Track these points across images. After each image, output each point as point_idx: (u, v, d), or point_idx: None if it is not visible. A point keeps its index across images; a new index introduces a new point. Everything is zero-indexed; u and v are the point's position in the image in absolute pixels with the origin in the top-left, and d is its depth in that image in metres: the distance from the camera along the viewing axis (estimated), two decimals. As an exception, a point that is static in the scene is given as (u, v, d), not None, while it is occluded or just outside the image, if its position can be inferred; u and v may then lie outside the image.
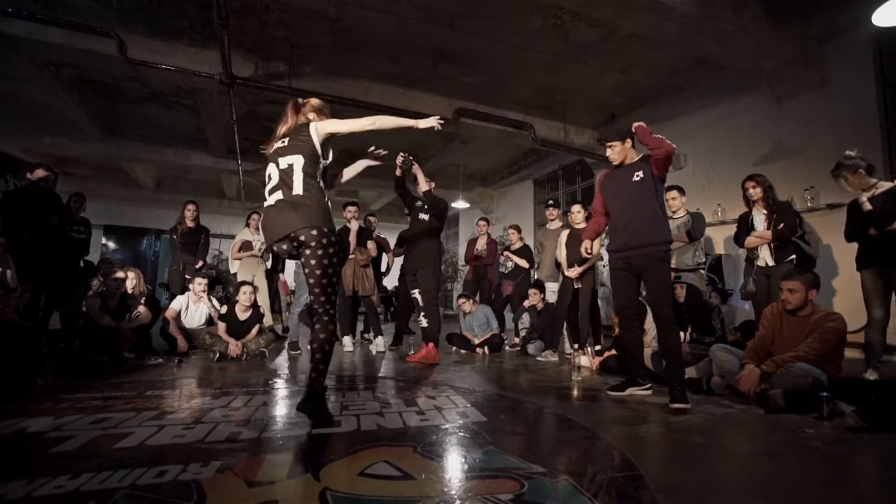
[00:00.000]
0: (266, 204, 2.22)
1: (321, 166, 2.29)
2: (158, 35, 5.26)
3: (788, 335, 2.76)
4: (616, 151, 2.90)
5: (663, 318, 2.68)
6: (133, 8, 4.89)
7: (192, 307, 4.68)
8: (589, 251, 3.07)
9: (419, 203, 4.36)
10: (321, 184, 2.26)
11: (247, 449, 1.74)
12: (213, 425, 2.03)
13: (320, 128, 2.28)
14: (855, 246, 3.46)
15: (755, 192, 3.76)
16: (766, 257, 3.71)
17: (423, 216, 4.32)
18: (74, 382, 2.96)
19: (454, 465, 1.62)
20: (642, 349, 3.01)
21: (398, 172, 4.17)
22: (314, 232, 2.08)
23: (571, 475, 1.52)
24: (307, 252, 2.09)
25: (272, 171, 2.22)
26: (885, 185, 3.27)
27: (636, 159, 2.88)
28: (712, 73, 6.03)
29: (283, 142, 2.26)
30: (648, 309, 3.20)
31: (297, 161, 2.19)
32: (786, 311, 2.79)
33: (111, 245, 13.21)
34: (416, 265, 4.30)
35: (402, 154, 3.83)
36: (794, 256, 3.65)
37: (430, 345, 4.10)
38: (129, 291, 4.35)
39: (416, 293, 4.27)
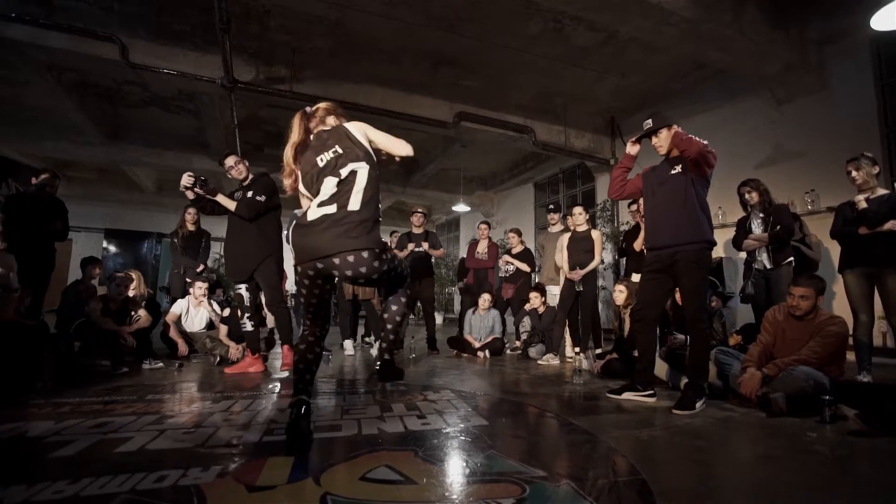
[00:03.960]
0: (309, 218, 1.89)
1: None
2: (160, 39, 5.29)
3: (791, 338, 2.75)
4: (663, 138, 2.78)
5: (696, 326, 2.63)
6: (135, 13, 4.91)
7: (193, 311, 4.68)
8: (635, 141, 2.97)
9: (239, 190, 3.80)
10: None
11: (247, 453, 1.74)
12: (214, 429, 2.02)
13: (362, 129, 2.03)
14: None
15: (751, 197, 3.78)
16: (764, 260, 3.72)
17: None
18: (74, 386, 2.96)
19: (455, 470, 1.62)
20: (654, 355, 2.97)
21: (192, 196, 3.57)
22: (365, 254, 1.84)
23: (573, 479, 1.51)
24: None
25: (326, 184, 1.90)
26: (881, 191, 3.33)
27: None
28: (712, 78, 6.05)
29: (329, 153, 1.95)
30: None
31: (362, 169, 1.91)
32: (791, 316, 2.78)
33: (112, 249, 13.22)
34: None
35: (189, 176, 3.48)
36: (791, 259, 3.67)
37: (285, 347, 3.69)
38: (130, 295, 4.35)
39: (242, 289, 3.68)
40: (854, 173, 3.39)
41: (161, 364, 3.94)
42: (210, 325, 4.66)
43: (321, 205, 1.90)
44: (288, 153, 2.07)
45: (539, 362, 4.47)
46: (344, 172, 1.91)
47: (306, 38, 5.43)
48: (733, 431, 2.25)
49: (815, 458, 1.84)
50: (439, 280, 10.93)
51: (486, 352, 4.83)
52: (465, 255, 6.39)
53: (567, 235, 4.66)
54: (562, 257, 4.64)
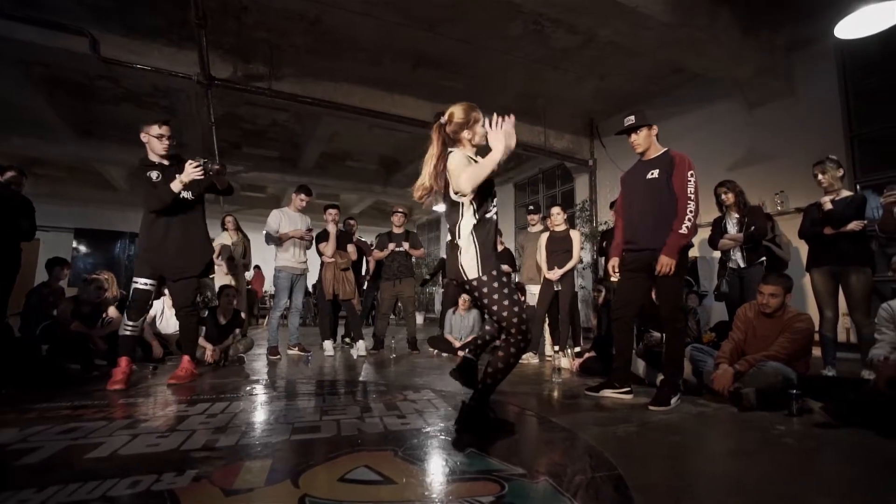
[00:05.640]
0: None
1: (482, 209, 2.04)
2: (134, 34, 5.16)
3: (761, 335, 2.84)
4: (642, 137, 2.79)
5: (672, 324, 2.69)
6: (108, 6, 4.78)
7: (168, 312, 4.57)
8: (615, 270, 2.96)
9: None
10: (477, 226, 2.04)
11: (224, 456, 1.71)
12: (190, 433, 1.98)
13: (453, 166, 2.02)
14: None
15: (727, 198, 3.89)
16: (738, 259, 3.83)
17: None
18: (42, 391, 2.87)
19: (435, 469, 1.62)
20: (632, 353, 3.02)
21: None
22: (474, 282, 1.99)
23: (551, 476, 1.53)
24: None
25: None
26: (846, 193, 3.49)
27: (659, 153, 2.80)
28: (688, 81, 6.19)
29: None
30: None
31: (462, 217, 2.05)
32: (761, 313, 2.87)
33: (82, 249, 12.82)
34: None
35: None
36: (764, 258, 3.78)
37: (185, 358, 3.38)
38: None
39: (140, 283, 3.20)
40: (820, 176, 3.51)
41: (134, 367, 3.84)
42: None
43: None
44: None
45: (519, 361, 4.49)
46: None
47: (285, 35, 5.36)
48: (707, 426, 2.31)
49: (784, 450, 1.90)
50: (418, 280, 10.92)
51: (467, 351, 4.83)
52: (445, 255, 6.40)
53: (546, 235, 4.71)
54: (541, 257, 4.69)
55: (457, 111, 2.12)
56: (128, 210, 12.40)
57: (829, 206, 3.41)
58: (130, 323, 3.15)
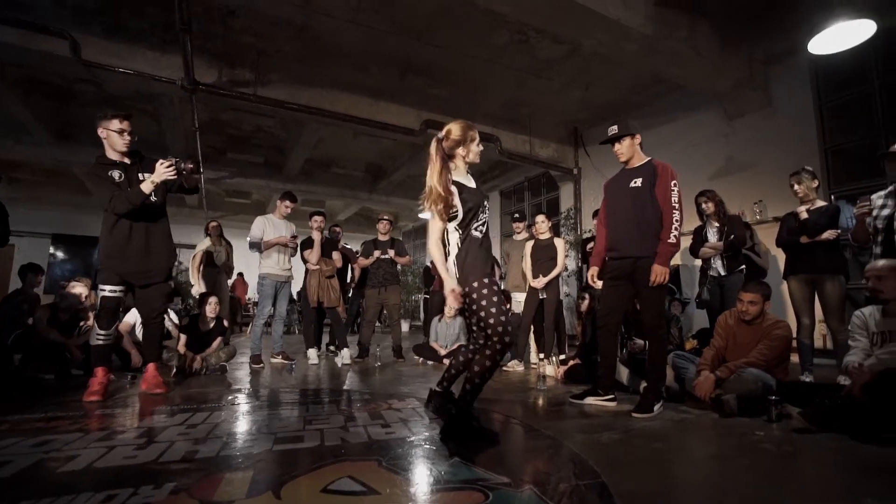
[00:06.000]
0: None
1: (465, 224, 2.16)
2: (116, 37, 5.09)
3: (741, 342, 2.89)
4: (626, 146, 2.82)
5: (654, 332, 2.72)
6: (90, 8, 4.72)
7: (148, 320, 4.47)
8: (595, 280, 3.02)
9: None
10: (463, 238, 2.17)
11: (204, 468, 1.67)
12: (169, 444, 1.94)
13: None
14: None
15: (707, 207, 3.97)
16: (718, 267, 3.90)
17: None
18: (14, 402, 2.78)
19: (419, 479, 1.61)
20: (616, 360, 3.05)
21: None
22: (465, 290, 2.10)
23: (536, 485, 1.53)
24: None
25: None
26: (820, 203, 3.59)
27: (642, 162, 2.83)
28: (670, 92, 6.33)
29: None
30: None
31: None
32: (741, 320, 2.92)
33: (60, 255, 12.51)
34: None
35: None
36: (744, 266, 3.86)
37: (152, 366, 3.24)
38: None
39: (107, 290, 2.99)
40: (796, 186, 3.61)
41: (112, 377, 3.75)
42: (167, 335, 4.47)
43: None
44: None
45: (504, 369, 4.51)
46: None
47: (272, 41, 5.34)
48: (689, 433, 2.33)
49: (763, 456, 1.93)
50: (404, 287, 10.89)
51: (452, 359, 4.83)
52: (431, 263, 6.40)
53: (531, 243, 4.74)
54: (526, 264, 4.71)
55: (454, 129, 2.19)
56: (107, 215, 12.15)
57: (804, 215, 3.51)
58: (102, 332, 3.00)
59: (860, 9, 3.47)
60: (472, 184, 2.22)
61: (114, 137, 2.92)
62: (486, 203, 2.22)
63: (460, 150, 2.20)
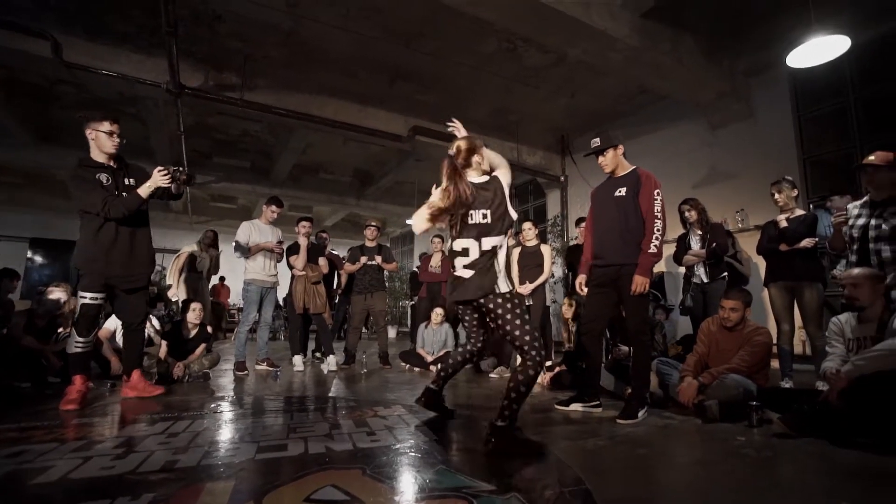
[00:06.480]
0: (456, 273, 2.24)
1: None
2: (100, 39, 5.03)
3: (724, 348, 2.94)
4: (609, 158, 2.87)
5: (639, 338, 2.75)
6: (74, 10, 4.65)
7: (129, 326, 4.39)
8: (582, 287, 3.04)
9: None
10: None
11: (184, 478, 1.64)
12: (148, 454, 1.90)
13: (504, 178, 2.30)
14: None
15: (691, 215, 4.03)
16: (701, 274, 3.96)
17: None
18: (-12, 411, 2.70)
19: (404, 487, 1.60)
20: (601, 366, 3.07)
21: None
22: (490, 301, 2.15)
23: (520, 491, 1.53)
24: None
25: (469, 245, 2.20)
26: (799, 211, 3.68)
27: (626, 171, 2.87)
28: (655, 101, 6.44)
29: (481, 216, 2.20)
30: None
31: (502, 244, 2.23)
32: (723, 327, 2.97)
33: (38, 259, 12.23)
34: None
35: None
36: (726, 274, 3.93)
37: (136, 373, 3.25)
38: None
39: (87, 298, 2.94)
40: (776, 195, 3.69)
41: (91, 384, 3.66)
42: (148, 342, 4.38)
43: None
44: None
45: (491, 375, 4.51)
46: (487, 244, 2.20)
47: (259, 45, 5.33)
48: (672, 438, 2.35)
49: (744, 461, 1.95)
50: (393, 293, 10.85)
51: (439, 366, 4.81)
52: (418, 269, 6.39)
53: (518, 250, 4.76)
54: (513, 271, 4.73)
55: (462, 143, 2.31)
56: (89, 219, 11.92)
57: (784, 223, 3.59)
58: (81, 339, 2.95)
59: (835, 25, 3.59)
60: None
61: (103, 139, 2.91)
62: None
63: (476, 158, 2.29)
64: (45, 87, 6.32)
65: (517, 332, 2.11)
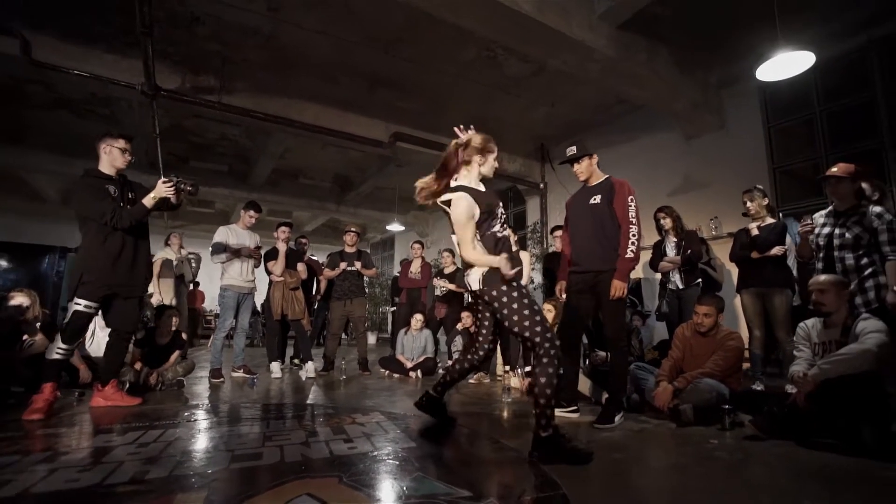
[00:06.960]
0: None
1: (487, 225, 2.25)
2: (71, 38, 4.90)
3: (697, 353, 3.00)
4: (584, 166, 2.92)
5: (616, 344, 2.78)
6: (45, 8, 4.52)
7: (100, 333, 4.25)
8: (562, 294, 3.08)
9: None
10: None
11: (154, 489, 1.59)
12: (116, 465, 1.84)
13: (456, 215, 2.24)
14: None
15: (666, 222, 4.13)
16: (677, 281, 4.05)
17: None
18: (-55, 423, 2.58)
19: (380, 495, 1.59)
20: (578, 372, 3.11)
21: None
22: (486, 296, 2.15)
23: (497, 498, 1.54)
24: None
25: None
26: (770, 220, 3.78)
27: (600, 180, 2.93)
28: (632, 111, 6.59)
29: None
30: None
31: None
32: (697, 332, 3.04)
33: (3, 264, 11.75)
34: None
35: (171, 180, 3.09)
36: (700, 280, 4.02)
37: (113, 384, 3.19)
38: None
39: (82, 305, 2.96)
40: (748, 203, 3.81)
41: (58, 393, 3.53)
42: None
43: None
44: None
45: (470, 381, 4.50)
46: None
47: (238, 49, 5.26)
48: (648, 443, 2.40)
49: (717, 463, 2.00)
50: (372, 299, 10.79)
51: (419, 372, 4.81)
52: (398, 274, 6.37)
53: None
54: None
55: (476, 138, 2.31)
56: (61, 223, 11.54)
57: (755, 231, 3.70)
58: (64, 346, 2.95)
59: (801, 41, 3.74)
60: (482, 189, 2.30)
61: (116, 154, 3.10)
62: (499, 204, 2.30)
63: (477, 158, 2.29)
64: (11, 85, 6.11)
65: (526, 324, 2.04)
